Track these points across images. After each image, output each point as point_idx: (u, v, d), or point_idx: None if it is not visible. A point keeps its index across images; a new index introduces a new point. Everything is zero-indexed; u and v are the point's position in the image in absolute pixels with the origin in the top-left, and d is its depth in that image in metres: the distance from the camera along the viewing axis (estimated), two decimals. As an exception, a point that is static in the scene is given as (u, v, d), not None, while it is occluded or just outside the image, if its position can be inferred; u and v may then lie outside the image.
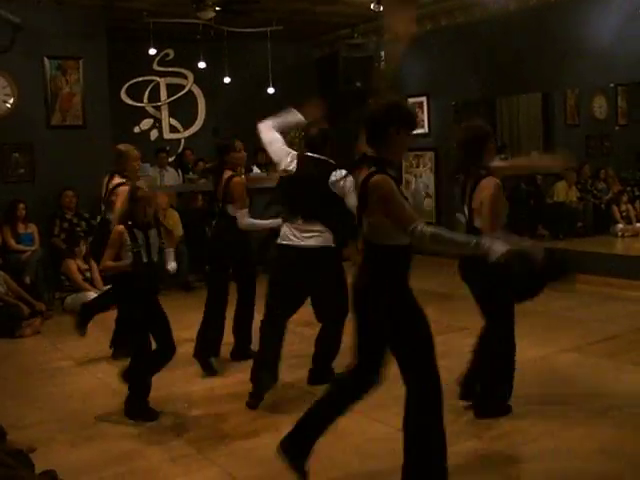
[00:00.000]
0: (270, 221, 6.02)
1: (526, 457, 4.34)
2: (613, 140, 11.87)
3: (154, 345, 5.19)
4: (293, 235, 5.28)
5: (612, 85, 10.60)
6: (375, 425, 4.85)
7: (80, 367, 6.60)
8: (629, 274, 8.85)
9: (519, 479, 4.15)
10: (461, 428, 4.66)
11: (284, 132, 5.60)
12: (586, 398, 5.20)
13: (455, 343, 6.32)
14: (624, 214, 11.07)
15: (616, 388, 5.41)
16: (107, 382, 5.99)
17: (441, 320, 6.95)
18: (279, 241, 5.40)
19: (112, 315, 6.68)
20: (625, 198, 11.12)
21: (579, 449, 4.32)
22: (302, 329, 6.63)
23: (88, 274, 8.97)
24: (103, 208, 6.76)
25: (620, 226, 10.96)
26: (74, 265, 8.89)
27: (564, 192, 11.21)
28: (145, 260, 5.06)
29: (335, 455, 4.33)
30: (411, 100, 11.73)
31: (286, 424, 4.93)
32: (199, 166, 11.41)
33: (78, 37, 9.84)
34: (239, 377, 5.88)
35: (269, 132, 5.49)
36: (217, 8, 9.05)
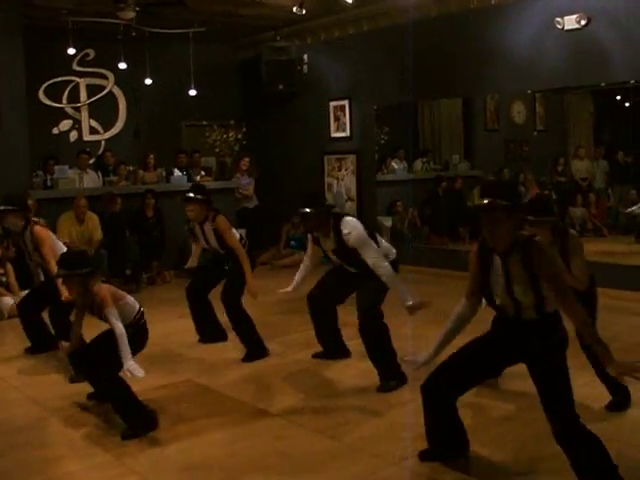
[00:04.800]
0: None
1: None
2: (532, 145, 12.16)
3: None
4: None
5: (530, 92, 10.84)
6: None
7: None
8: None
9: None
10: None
11: None
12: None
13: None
14: (541, 217, 11.31)
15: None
16: (22, 389, 5.84)
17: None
18: None
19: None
20: (542, 202, 11.36)
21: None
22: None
23: (4, 279, 8.75)
24: None
25: (537, 229, 11.19)
26: (-11, 270, 8.66)
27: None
28: None
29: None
30: (333, 103, 11.83)
31: (206, 429, 4.92)
32: (121, 169, 11.23)
33: (-7, 35, 9.58)
34: (156, 382, 5.79)
35: None
36: (137, 8, 8.95)
